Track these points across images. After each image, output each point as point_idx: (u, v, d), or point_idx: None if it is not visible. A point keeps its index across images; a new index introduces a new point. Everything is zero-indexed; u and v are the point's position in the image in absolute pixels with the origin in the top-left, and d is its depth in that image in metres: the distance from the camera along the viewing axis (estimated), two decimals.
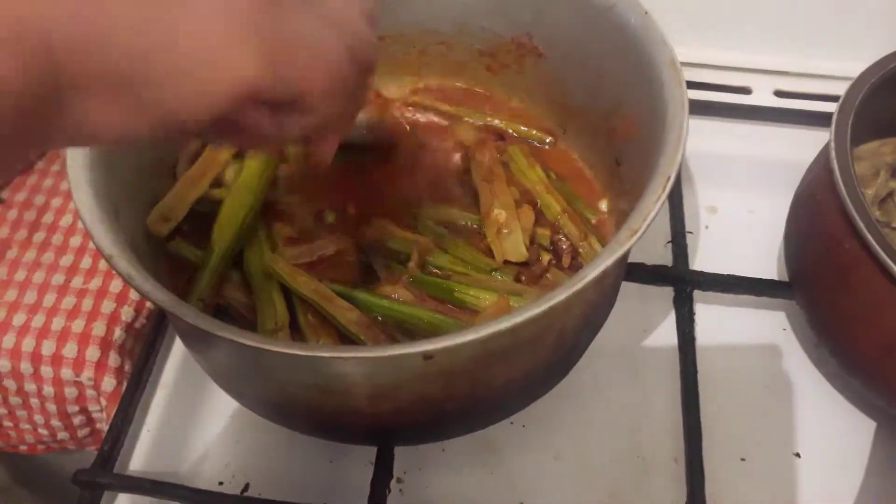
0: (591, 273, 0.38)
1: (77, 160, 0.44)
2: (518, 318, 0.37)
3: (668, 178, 0.41)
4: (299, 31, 0.32)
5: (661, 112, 0.46)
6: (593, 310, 0.50)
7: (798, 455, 0.55)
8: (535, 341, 0.45)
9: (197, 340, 0.47)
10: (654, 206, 0.40)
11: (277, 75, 0.31)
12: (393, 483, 0.53)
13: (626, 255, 0.41)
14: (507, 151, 0.60)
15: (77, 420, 0.62)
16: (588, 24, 0.54)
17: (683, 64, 0.47)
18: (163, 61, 0.28)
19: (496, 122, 0.63)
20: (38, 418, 0.62)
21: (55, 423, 0.62)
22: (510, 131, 0.62)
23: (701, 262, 0.65)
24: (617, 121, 0.55)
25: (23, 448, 0.66)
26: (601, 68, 0.55)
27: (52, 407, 0.60)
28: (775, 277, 0.63)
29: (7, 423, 0.64)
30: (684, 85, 0.46)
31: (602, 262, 0.39)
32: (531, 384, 0.50)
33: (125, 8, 0.27)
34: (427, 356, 0.38)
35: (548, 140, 0.62)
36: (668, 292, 0.61)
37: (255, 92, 0.30)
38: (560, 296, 0.38)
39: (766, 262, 0.65)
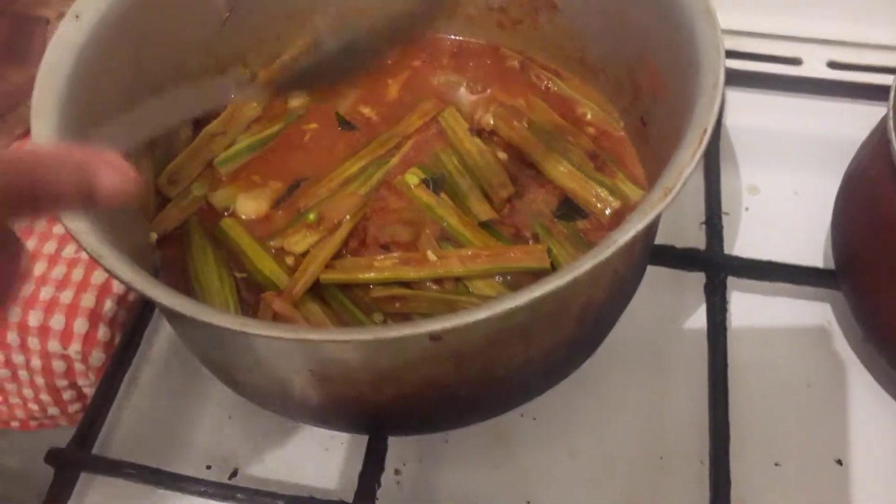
0: (621, 239, 0.34)
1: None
2: (537, 293, 0.32)
3: (705, 131, 0.37)
4: None
5: (694, 61, 0.41)
6: (620, 283, 0.45)
7: (840, 462, 0.49)
8: (556, 316, 0.40)
9: (176, 320, 0.43)
10: (689, 161, 0.36)
11: None
12: (390, 475, 0.49)
13: (657, 220, 0.36)
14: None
15: (67, 395, 0.59)
16: None
17: (725, 32, 0.42)
18: None
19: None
20: (28, 392, 0.59)
21: (44, 397, 0.59)
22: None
23: (739, 246, 0.59)
24: (642, 76, 0.50)
25: (15, 424, 0.63)
26: (623, 18, 0.50)
27: (40, 380, 0.58)
28: (821, 265, 0.57)
29: None
30: (719, 28, 0.41)
31: (632, 227, 0.34)
32: (552, 366, 0.45)
33: None
34: (434, 337, 0.34)
35: None
36: (700, 278, 0.55)
37: None
38: (585, 265, 0.33)
39: (812, 247, 0.59)
